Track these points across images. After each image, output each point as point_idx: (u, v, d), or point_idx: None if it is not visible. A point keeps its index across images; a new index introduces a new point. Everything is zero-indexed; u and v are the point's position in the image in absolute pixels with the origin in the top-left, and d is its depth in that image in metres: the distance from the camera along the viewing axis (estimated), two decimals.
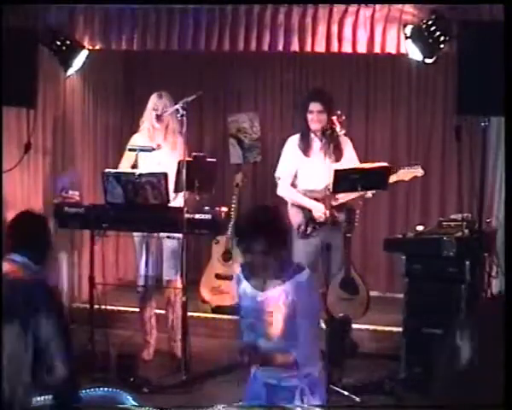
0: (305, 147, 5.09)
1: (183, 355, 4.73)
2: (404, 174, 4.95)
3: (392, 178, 4.90)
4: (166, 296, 5.19)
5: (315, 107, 5.00)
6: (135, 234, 5.12)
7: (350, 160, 5.05)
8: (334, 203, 4.92)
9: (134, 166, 4.95)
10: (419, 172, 4.99)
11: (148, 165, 4.95)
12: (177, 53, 5.59)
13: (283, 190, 5.19)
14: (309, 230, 5.04)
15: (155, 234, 5.00)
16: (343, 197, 4.91)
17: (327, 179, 4.89)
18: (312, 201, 5.04)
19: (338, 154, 4.97)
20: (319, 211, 4.98)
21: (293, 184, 5.16)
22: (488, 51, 3.94)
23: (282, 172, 5.20)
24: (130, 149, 5.02)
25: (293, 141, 5.17)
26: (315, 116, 5.00)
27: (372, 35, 4.88)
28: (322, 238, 5.02)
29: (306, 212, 5.04)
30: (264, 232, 2.95)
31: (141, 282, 5.21)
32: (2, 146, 4.72)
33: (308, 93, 5.47)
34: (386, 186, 4.93)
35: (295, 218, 5.09)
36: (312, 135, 5.08)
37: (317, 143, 5.08)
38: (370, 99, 6.67)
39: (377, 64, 6.49)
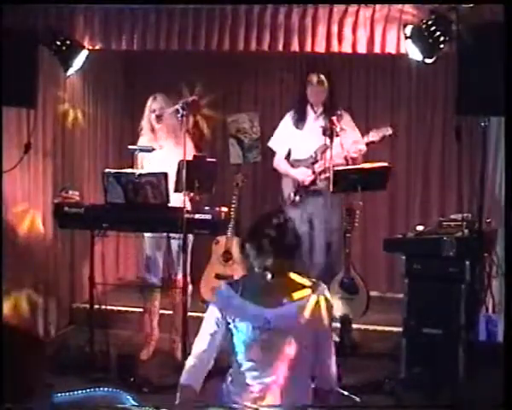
0: (299, 120, 5.19)
1: (184, 355, 4.73)
2: (374, 135, 5.07)
3: (364, 140, 5.09)
4: (168, 296, 5.19)
5: (314, 78, 5.06)
6: (146, 234, 5.13)
7: (350, 132, 5.10)
8: (318, 169, 5.04)
9: (141, 167, 4.99)
10: (388, 130, 5.08)
11: (152, 166, 4.98)
12: (177, 53, 5.58)
13: (276, 162, 5.39)
14: (297, 198, 5.13)
15: (163, 234, 5.01)
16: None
17: (315, 148, 5.04)
18: (297, 169, 5.14)
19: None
20: (302, 174, 5.08)
21: (288, 156, 5.33)
22: (488, 51, 3.93)
23: (274, 144, 5.40)
24: (130, 150, 5.04)
25: (288, 115, 5.32)
26: (314, 88, 5.07)
27: (372, 35, 4.88)
28: (312, 210, 5.10)
29: (295, 181, 5.13)
30: (287, 235, 2.77)
31: (144, 281, 5.22)
32: (3, 146, 4.73)
33: (307, 65, 5.52)
34: (385, 186, 4.95)
35: (286, 188, 5.29)
36: (309, 108, 5.15)
37: (311, 118, 5.14)
38: (370, 99, 6.67)
39: (377, 64, 6.49)
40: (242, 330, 2.81)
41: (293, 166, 5.26)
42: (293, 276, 2.82)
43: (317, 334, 2.80)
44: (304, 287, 2.80)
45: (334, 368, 2.87)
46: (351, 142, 5.10)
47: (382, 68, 6.50)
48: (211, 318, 2.90)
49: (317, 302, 2.77)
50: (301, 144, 5.19)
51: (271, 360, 2.77)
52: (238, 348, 2.85)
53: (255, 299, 2.79)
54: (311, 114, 5.18)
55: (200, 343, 2.96)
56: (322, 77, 5.09)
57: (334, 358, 2.87)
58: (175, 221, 4.58)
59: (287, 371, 2.77)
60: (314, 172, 5.08)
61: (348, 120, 5.21)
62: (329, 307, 2.83)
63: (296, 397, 2.78)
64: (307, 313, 2.77)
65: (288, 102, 6.80)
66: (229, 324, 2.84)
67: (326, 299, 2.81)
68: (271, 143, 5.40)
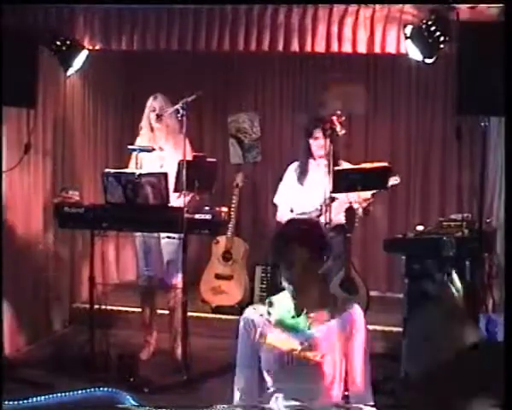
0: (301, 175, 5.12)
1: (184, 355, 4.73)
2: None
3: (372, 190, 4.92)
4: (167, 296, 5.19)
5: (318, 133, 4.98)
6: (136, 234, 5.12)
7: None
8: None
9: (139, 168, 4.99)
10: (395, 179, 5.01)
11: (151, 166, 4.97)
12: (177, 53, 5.58)
13: (280, 216, 5.22)
14: None
15: (156, 234, 5.00)
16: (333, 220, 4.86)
17: (319, 201, 4.95)
18: None
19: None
20: None
21: (292, 209, 5.19)
22: (488, 51, 3.93)
23: (279, 200, 5.28)
24: (129, 150, 5.04)
25: (291, 169, 5.21)
26: (321, 142, 4.99)
27: (372, 35, 4.88)
28: None
29: None
30: (313, 243, 2.59)
31: (142, 282, 5.21)
32: (3, 146, 4.73)
33: (313, 119, 5.26)
34: (386, 186, 4.93)
35: None
36: (312, 161, 5.09)
37: (313, 169, 5.09)
38: (370, 99, 6.67)
39: (377, 64, 6.49)
40: (269, 355, 2.63)
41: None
42: (320, 291, 2.68)
43: (351, 351, 2.68)
44: (334, 304, 2.67)
45: (366, 381, 2.79)
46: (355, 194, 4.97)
47: (382, 68, 6.50)
48: (242, 346, 2.71)
49: (350, 320, 2.63)
50: (303, 198, 5.11)
51: (300, 386, 2.60)
52: (265, 372, 2.66)
53: (282, 321, 2.63)
54: (313, 167, 5.12)
55: (241, 380, 2.72)
56: (327, 132, 4.99)
57: (367, 372, 2.79)
58: (175, 221, 4.58)
59: (316, 395, 2.62)
60: None
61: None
62: (362, 323, 2.67)
63: None
64: (339, 334, 2.62)
65: (287, 101, 6.83)
66: (256, 347, 2.66)
67: (359, 314, 2.65)
68: (276, 200, 5.31)
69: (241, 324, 2.69)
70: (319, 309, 2.63)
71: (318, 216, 4.98)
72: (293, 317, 2.64)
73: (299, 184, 5.15)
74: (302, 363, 2.59)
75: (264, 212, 6.76)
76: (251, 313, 2.68)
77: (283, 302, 2.67)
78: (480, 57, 3.97)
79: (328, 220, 4.78)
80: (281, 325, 2.64)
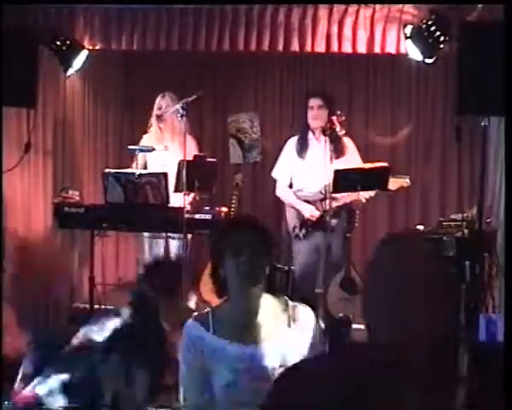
0: (302, 149, 5.09)
1: None
2: (391, 183, 4.92)
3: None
4: None
5: (315, 102, 4.99)
6: (144, 234, 5.12)
7: (352, 161, 5.04)
8: (326, 207, 4.86)
9: (144, 167, 5.00)
10: (405, 182, 5.00)
11: (156, 166, 4.98)
12: (177, 53, 5.58)
13: (279, 191, 5.22)
14: (302, 232, 5.02)
15: (162, 234, 5.01)
16: (339, 199, 4.88)
17: (321, 182, 4.89)
18: (303, 203, 5.03)
19: (338, 153, 4.94)
20: (309, 213, 4.98)
21: (291, 185, 5.17)
22: (488, 51, 3.93)
23: (277, 173, 5.23)
24: (130, 150, 5.04)
25: (291, 142, 5.18)
26: (315, 112, 4.98)
27: (372, 35, 4.88)
28: (318, 241, 4.99)
29: (300, 214, 5.04)
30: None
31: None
32: (3, 146, 4.73)
33: (308, 90, 5.43)
34: (385, 186, 4.93)
35: (291, 219, 5.11)
36: (311, 135, 5.07)
37: (313, 145, 5.06)
38: (370, 99, 6.67)
39: (377, 64, 6.49)
40: (221, 373, 2.29)
41: (297, 196, 5.10)
42: (269, 298, 2.35)
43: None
44: (285, 310, 2.35)
45: None
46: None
47: (382, 68, 6.50)
48: (187, 368, 2.35)
49: (305, 328, 2.34)
50: (304, 174, 5.08)
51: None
52: (218, 393, 2.32)
53: (232, 335, 2.31)
54: (313, 141, 5.09)
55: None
56: (323, 101, 4.99)
57: None
58: (175, 221, 4.58)
59: None
60: (323, 210, 4.89)
61: (352, 150, 5.11)
62: (319, 328, 2.42)
63: None
64: (295, 344, 2.31)
65: (288, 101, 6.83)
66: (204, 367, 2.31)
67: (312, 321, 2.37)
68: (274, 174, 5.28)
69: (185, 337, 2.35)
70: (268, 320, 2.31)
71: (322, 200, 4.94)
72: (239, 330, 2.32)
73: (300, 157, 5.09)
74: (252, 380, 2.26)
75: (264, 212, 6.75)
76: (193, 326, 2.34)
77: (227, 313, 2.35)
78: (480, 57, 3.97)
79: (334, 207, 4.77)
80: (226, 338, 2.31)
